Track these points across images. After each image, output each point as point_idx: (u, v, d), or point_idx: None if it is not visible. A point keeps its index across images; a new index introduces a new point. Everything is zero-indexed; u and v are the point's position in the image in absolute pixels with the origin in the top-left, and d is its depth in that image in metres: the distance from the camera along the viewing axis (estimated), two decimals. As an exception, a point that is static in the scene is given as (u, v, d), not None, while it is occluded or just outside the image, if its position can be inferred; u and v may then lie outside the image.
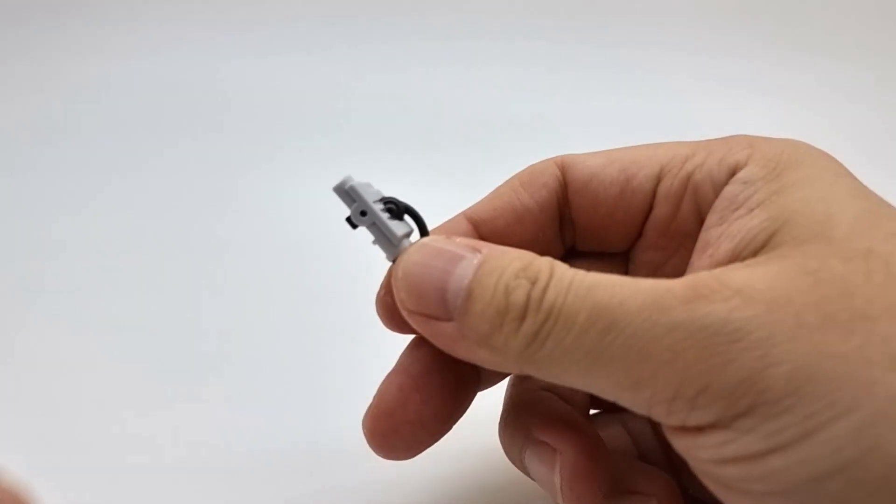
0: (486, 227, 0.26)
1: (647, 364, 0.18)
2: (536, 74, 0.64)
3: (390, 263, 0.25)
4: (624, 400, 0.19)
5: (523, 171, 0.27)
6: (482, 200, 0.26)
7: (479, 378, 0.26)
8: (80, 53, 0.65)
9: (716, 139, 0.24)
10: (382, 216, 0.24)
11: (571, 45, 0.67)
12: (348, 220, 0.25)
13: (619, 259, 0.27)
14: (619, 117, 0.59)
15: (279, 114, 0.60)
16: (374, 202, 0.24)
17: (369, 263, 0.29)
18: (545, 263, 0.21)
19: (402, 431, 0.24)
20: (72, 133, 0.58)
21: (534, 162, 0.27)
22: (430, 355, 0.24)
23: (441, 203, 0.28)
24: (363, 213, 0.24)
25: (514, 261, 0.21)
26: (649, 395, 0.19)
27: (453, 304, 0.21)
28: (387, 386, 0.24)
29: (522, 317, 0.20)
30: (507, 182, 0.27)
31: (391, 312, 0.25)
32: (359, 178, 0.25)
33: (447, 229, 0.26)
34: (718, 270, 0.20)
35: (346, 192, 0.24)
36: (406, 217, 0.25)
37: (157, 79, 0.63)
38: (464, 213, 0.26)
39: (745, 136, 0.24)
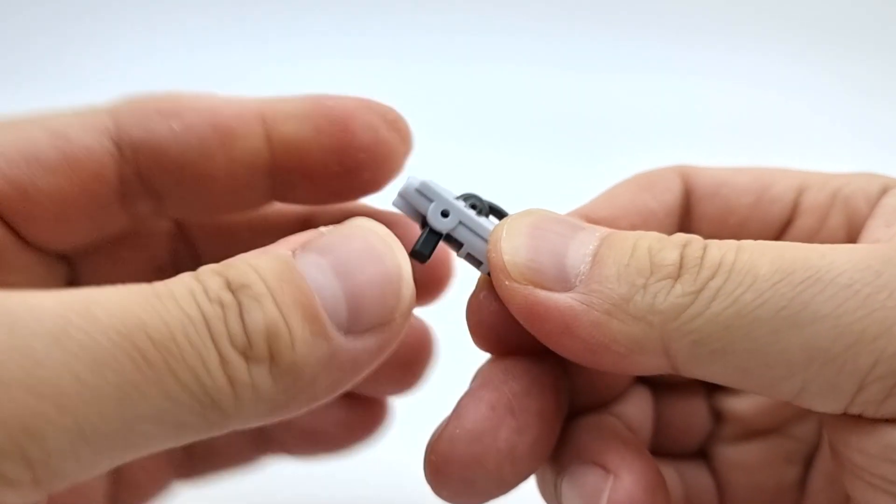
0: (607, 227, 0.22)
1: (872, 319, 0.15)
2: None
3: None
4: (819, 379, 0.16)
5: (636, 176, 0.24)
6: (595, 201, 0.23)
7: (567, 408, 0.22)
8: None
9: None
10: (470, 213, 0.20)
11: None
12: (426, 229, 0.20)
13: None
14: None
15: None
16: (456, 199, 0.21)
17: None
18: (689, 235, 0.18)
19: (487, 464, 0.19)
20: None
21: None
22: (528, 372, 0.20)
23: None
24: (445, 214, 0.20)
25: (650, 233, 0.18)
26: (869, 364, 0.15)
27: (574, 271, 0.18)
28: (473, 404, 0.20)
29: (675, 275, 0.17)
30: (620, 185, 0.24)
31: (487, 322, 0.21)
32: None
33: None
34: None
35: (419, 193, 0.20)
36: (491, 218, 0.21)
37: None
38: (577, 211, 0.23)
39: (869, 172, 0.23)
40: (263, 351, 0.16)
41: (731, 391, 0.26)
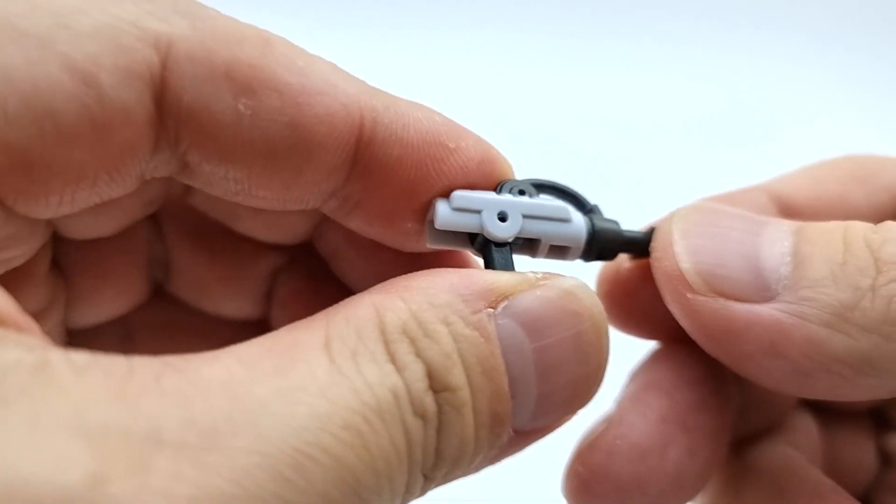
0: (802, 217, 0.19)
1: None
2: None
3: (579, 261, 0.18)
4: None
5: (847, 160, 0.20)
6: (793, 178, 0.20)
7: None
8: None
9: None
10: (528, 200, 0.17)
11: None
12: (482, 247, 0.16)
13: None
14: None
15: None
16: (500, 195, 0.17)
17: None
18: None
19: (650, 488, 0.16)
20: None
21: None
22: (703, 379, 0.17)
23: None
24: (503, 218, 0.16)
25: (854, 222, 0.15)
26: None
27: (773, 275, 0.15)
28: (640, 411, 0.17)
29: None
30: (826, 166, 0.20)
31: (624, 300, 0.18)
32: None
33: (741, 202, 0.19)
34: None
35: (460, 211, 0.16)
36: (542, 196, 0.18)
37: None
38: (765, 187, 0.19)
39: None
40: (443, 472, 0.15)
41: None
